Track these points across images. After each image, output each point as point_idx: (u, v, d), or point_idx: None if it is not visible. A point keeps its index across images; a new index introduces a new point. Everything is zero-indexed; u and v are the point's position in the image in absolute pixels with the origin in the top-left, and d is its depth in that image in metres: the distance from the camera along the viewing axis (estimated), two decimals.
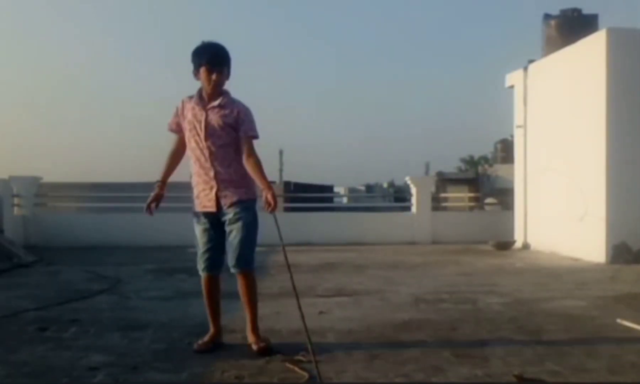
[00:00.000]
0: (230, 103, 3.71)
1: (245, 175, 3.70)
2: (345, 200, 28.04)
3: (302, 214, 12.49)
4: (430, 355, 3.64)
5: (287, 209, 13.69)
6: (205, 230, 3.76)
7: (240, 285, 3.77)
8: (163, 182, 3.81)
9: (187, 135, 3.73)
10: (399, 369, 3.38)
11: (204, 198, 3.73)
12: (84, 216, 12.80)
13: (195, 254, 3.87)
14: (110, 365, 3.47)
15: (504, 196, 13.03)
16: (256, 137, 3.74)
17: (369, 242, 10.92)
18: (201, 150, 3.69)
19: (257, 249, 3.79)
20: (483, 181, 23.45)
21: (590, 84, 8.52)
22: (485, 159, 40.46)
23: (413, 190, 11.95)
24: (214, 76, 3.64)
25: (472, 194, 16.55)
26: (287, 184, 25.69)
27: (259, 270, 3.98)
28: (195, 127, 3.69)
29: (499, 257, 9.07)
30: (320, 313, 4.87)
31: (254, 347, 3.69)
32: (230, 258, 3.71)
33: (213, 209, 3.70)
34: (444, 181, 23.10)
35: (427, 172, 22.94)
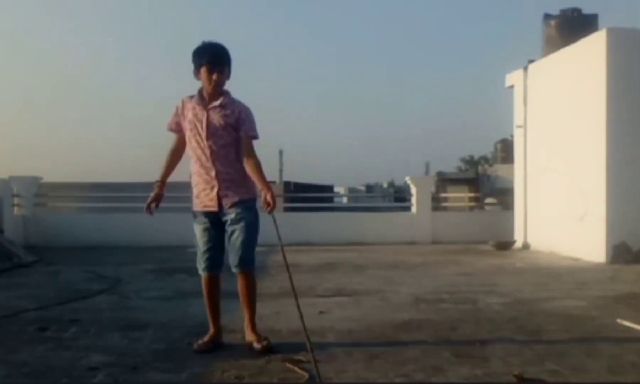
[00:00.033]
0: (231, 103, 3.71)
1: (245, 174, 3.70)
2: (345, 200, 28.04)
3: (302, 214, 12.50)
4: (430, 355, 3.64)
5: (287, 209, 13.69)
6: (205, 229, 3.76)
7: (240, 285, 3.78)
8: (163, 182, 3.81)
9: (188, 135, 3.74)
10: (399, 369, 3.38)
11: (205, 197, 3.73)
12: (84, 216, 12.82)
13: (195, 254, 3.87)
14: (110, 365, 3.47)
15: (504, 196, 13.03)
16: (256, 137, 3.75)
17: (369, 242, 10.92)
18: (202, 150, 3.69)
19: (257, 249, 3.80)
20: (483, 181, 23.38)
21: (590, 84, 8.52)
22: (485, 159, 40.41)
23: (413, 190, 11.96)
24: (214, 76, 3.64)
25: (472, 194, 16.54)
26: (287, 184, 25.70)
27: (259, 270, 3.98)
28: (196, 127, 3.69)
29: (499, 257, 9.08)
30: (320, 313, 4.87)
31: (257, 345, 3.69)
32: (233, 258, 3.71)
33: (215, 208, 3.70)
34: (444, 181, 23.05)
35: (427, 172, 22.89)
